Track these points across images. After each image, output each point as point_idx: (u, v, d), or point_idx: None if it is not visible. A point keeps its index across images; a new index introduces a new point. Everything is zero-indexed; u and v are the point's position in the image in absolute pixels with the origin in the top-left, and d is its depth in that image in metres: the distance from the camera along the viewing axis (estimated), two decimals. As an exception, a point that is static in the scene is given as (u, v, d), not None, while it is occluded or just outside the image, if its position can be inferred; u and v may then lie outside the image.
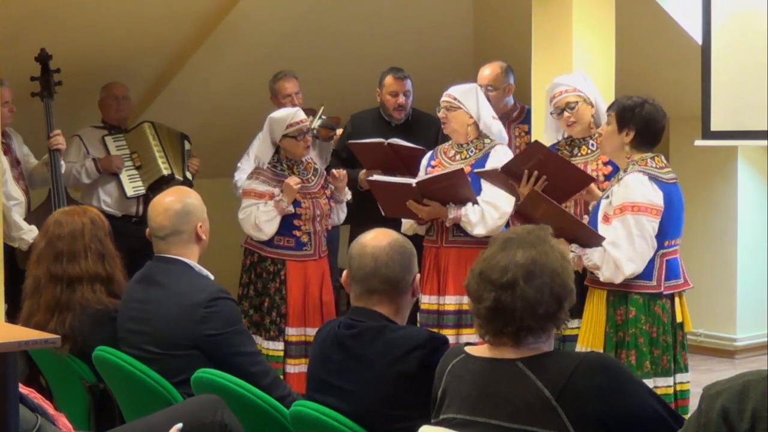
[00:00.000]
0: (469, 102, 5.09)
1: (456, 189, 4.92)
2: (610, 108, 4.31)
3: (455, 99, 5.09)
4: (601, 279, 4.12)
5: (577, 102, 4.81)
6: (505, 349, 2.52)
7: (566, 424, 2.40)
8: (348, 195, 5.64)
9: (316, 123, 6.16)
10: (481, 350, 2.58)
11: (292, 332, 5.34)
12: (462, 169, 4.95)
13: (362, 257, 3.02)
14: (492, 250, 2.56)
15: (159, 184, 6.11)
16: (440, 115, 5.15)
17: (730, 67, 5.31)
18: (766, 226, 7.11)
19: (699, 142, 5.55)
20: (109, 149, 6.29)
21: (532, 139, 5.50)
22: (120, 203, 6.28)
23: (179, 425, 3.02)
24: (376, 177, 5.31)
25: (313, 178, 5.50)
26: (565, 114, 4.84)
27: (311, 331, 5.29)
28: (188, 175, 6.39)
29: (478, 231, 4.95)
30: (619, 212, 4.09)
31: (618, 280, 4.09)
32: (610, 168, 4.73)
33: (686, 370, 4.23)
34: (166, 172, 6.25)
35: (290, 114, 5.39)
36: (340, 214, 5.66)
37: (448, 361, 2.64)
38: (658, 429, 2.48)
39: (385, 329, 2.98)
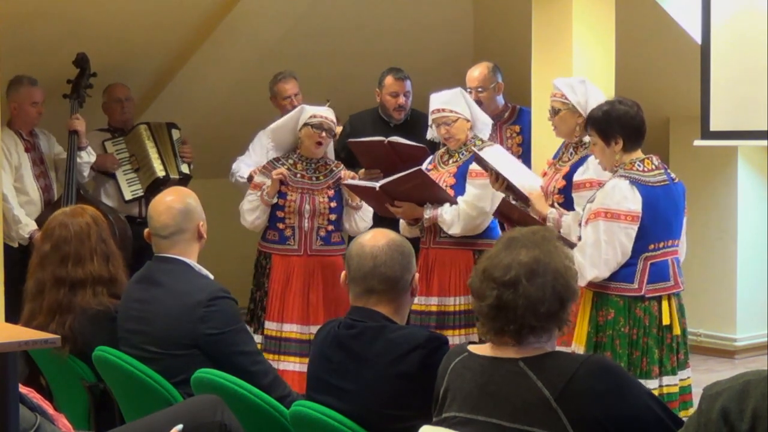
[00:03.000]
0: (462, 107, 5.09)
1: (425, 189, 4.95)
2: (589, 127, 4.30)
3: (452, 111, 5.07)
4: None
5: (560, 110, 4.71)
6: (507, 348, 2.53)
7: (566, 426, 2.40)
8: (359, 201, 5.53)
9: None
10: (484, 349, 2.59)
11: (270, 326, 5.35)
12: (420, 169, 4.96)
13: (361, 257, 3.02)
14: (496, 248, 2.57)
15: (156, 186, 6.14)
16: (441, 132, 5.09)
17: (729, 67, 5.31)
18: (766, 226, 7.11)
19: (699, 142, 5.55)
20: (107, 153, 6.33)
21: (532, 139, 5.52)
22: (121, 205, 6.30)
23: (179, 426, 3.02)
24: (348, 181, 5.34)
25: (322, 177, 5.48)
26: (550, 117, 4.80)
27: (288, 327, 5.31)
28: (183, 168, 6.39)
29: (454, 230, 4.97)
30: (593, 217, 4.12)
31: (581, 284, 4.11)
32: (564, 182, 4.65)
33: (674, 373, 4.21)
34: (160, 174, 6.27)
35: (321, 109, 5.46)
36: (359, 222, 5.50)
37: (451, 359, 2.65)
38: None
39: (385, 329, 2.98)
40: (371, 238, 3.06)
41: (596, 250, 4.08)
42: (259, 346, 5.24)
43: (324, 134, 5.40)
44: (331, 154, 5.71)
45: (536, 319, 2.49)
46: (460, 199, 5.00)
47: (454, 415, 2.54)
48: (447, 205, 5.00)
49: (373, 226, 5.30)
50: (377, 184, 5.01)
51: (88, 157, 6.01)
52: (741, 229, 7.16)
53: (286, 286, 5.35)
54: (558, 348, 2.59)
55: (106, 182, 6.36)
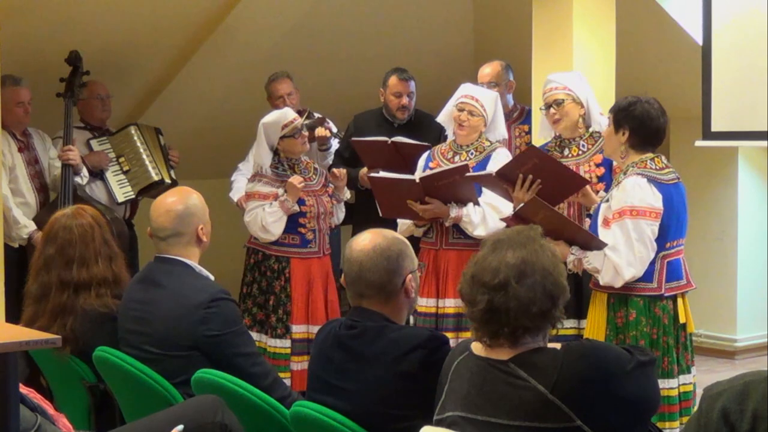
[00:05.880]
0: (490, 110, 5.10)
1: (459, 186, 4.88)
2: (610, 110, 4.32)
3: (483, 107, 5.06)
4: (601, 283, 4.12)
5: (564, 100, 4.76)
6: (502, 349, 2.54)
7: (568, 413, 2.44)
8: (347, 194, 5.65)
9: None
10: (480, 348, 2.60)
11: (296, 330, 5.37)
12: (467, 165, 4.92)
13: (350, 262, 3.04)
14: (483, 252, 2.59)
15: (148, 189, 6.10)
16: (462, 117, 5.05)
17: (730, 67, 5.31)
18: (766, 227, 7.11)
19: (699, 143, 5.55)
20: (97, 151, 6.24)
21: (533, 139, 5.51)
22: (110, 207, 6.22)
23: (180, 427, 3.02)
24: (379, 173, 5.26)
25: (314, 176, 5.54)
26: (551, 110, 4.80)
27: (315, 329, 5.28)
28: (172, 173, 6.34)
29: (479, 232, 4.91)
30: (618, 216, 4.08)
31: (618, 284, 4.09)
32: (603, 170, 4.70)
33: (689, 372, 4.22)
34: (156, 177, 6.16)
35: (281, 115, 5.44)
36: (339, 213, 5.67)
37: (454, 357, 2.67)
38: (640, 381, 2.56)
39: (385, 329, 2.98)
40: (359, 242, 3.06)
41: (629, 249, 4.04)
42: (288, 351, 5.29)
43: (303, 134, 5.45)
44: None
45: (529, 320, 2.51)
46: (482, 201, 4.95)
47: (455, 415, 2.55)
48: (470, 205, 4.96)
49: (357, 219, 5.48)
50: (416, 177, 4.96)
51: (82, 180, 5.89)
52: (741, 229, 7.16)
53: (311, 289, 5.40)
54: None
55: (91, 182, 6.14)
